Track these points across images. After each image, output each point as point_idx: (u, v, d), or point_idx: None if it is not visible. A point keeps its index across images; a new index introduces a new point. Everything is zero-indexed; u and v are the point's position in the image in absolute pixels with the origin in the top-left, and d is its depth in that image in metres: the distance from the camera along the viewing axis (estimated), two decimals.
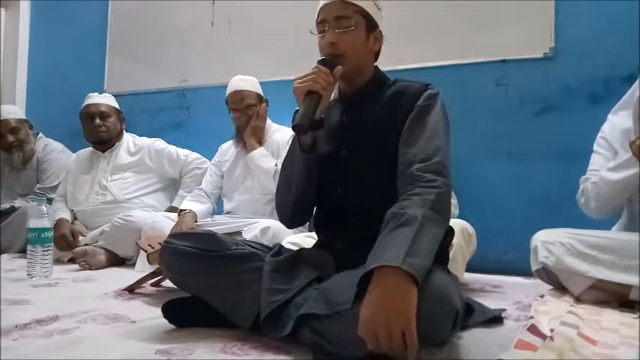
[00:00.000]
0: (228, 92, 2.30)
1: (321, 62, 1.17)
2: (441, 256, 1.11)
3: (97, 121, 2.53)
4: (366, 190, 1.19)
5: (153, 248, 1.78)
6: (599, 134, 1.70)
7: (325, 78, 1.13)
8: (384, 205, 1.03)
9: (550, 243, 1.60)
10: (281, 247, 1.25)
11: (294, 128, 1.11)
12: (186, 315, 1.18)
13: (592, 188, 1.61)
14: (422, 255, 0.89)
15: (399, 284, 0.84)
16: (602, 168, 1.61)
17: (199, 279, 1.15)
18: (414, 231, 0.92)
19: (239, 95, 2.26)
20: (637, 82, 1.57)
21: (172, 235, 1.26)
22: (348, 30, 1.18)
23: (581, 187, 1.68)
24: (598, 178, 1.58)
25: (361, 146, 1.20)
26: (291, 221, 1.30)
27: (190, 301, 1.19)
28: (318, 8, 1.22)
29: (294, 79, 1.15)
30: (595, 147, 1.71)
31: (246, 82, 2.30)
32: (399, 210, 0.98)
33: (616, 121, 1.67)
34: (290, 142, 1.24)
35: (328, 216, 1.28)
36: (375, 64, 1.30)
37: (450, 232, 1.17)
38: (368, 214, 1.13)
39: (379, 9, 1.24)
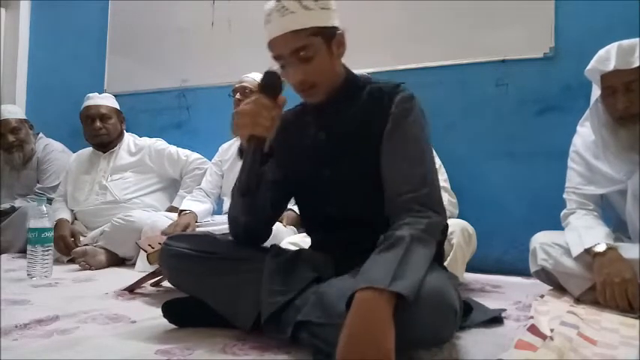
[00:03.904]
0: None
1: (263, 87, 1.05)
2: (437, 254, 1.10)
3: (98, 123, 2.53)
4: (355, 205, 1.15)
5: (153, 248, 1.78)
6: (572, 148, 1.71)
7: (267, 115, 1.01)
8: (376, 214, 1.03)
9: (548, 245, 1.60)
10: (279, 247, 1.25)
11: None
12: (186, 315, 1.18)
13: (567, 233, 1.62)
14: (410, 275, 0.86)
15: (379, 311, 0.81)
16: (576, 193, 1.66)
17: (199, 281, 1.15)
18: (403, 251, 0.90)
19: (244, 80, 2.32)
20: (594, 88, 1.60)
21: (171, 237, 1.25)
22: (310, 59, 1.07)
23: (564, 212, 1.69)
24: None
25: (343, 164, 1.15)
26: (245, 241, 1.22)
27: (190, 301, 1.19)
28: (267, 41, 1.10)
29: (233, 113, 1.06)
30: (569, 162, 1.71)
31: (253, 75, 2.36)
32: (389, 233, 0.97)
33: (584, 132, 1.67)
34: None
35: (319, 230, 1.27)
36: (343, 62, 1.19)
37: (444, 229, 1.15)
38: (361, 226, 1.11)
39: (328, 8, 1.10)
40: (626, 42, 1.48)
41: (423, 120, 1.13)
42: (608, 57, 1.49)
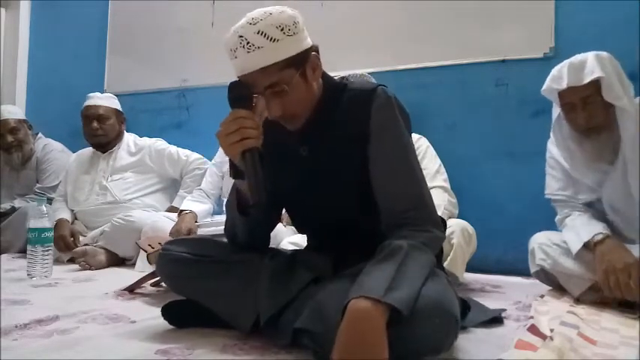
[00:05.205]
0: None
1: (234, 100, 0.99)
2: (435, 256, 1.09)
3: (95, 124, 2.53)
4: (343, 217, 1.12)
5: (153, 248, 1.79)
6: (547, 154, 1.72)
7: (252, 124, 0.97)
8: (368, 220, 1.03)
9: (547, 245, 1.61)
10: (276, 249, 1.24)
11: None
12: (186, 316, 1.18)
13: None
14: (407, 287, 0.84)
15: (372, 321, 0.79)
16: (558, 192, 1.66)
17: (197, 285, 1.14)
18: (400, 260, 0.88)
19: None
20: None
21: (169, 242, 1.24)
22: (285, 93, 1.01)
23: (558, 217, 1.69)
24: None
25: (327, 179, 1.11)
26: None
27: (189, 303, 1.19)
28: (236, 74, 1.02)
29: (217, 133, 0.98)
30: (547, 168, 1.72)
31: None
32: (387, 242, 0.95)
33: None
34: (230, 190, 1.15)
35: (313, 237, 1.27)
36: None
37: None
38: (353, 233, 1.11)
39: (296, 32, 1.00)
40: (576, 59, 1.51)
41: (402, 120, 1.07)
42: (560, 75, 1.52)
